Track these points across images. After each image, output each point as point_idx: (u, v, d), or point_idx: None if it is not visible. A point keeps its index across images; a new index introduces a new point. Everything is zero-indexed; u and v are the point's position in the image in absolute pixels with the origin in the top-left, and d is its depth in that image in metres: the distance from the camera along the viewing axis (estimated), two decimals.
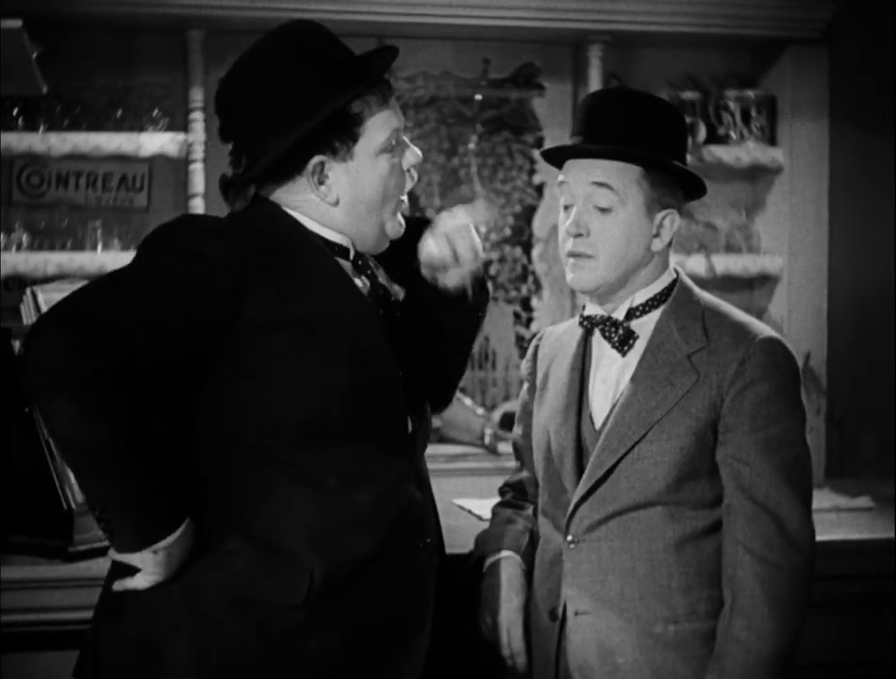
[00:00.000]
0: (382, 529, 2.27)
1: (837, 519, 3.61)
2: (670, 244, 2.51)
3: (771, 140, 4.90)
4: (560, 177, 2.52)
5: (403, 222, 2.38)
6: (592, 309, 2.53)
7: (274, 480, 2.24)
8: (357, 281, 2.35)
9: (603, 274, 2.46)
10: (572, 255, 2.47)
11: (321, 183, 2.29)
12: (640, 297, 2.49)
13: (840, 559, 3.30)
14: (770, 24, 4.75)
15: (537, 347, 2.67)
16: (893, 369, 4.81)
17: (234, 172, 2.34)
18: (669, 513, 2.41)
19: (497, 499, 2.82)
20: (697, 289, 2.53)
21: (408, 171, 2.36)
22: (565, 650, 2.48)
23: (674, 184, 2.47)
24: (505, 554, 2.59)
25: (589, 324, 2.52)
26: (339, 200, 2.30)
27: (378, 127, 2.28)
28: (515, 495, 2.74)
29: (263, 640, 2.23)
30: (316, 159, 2.27)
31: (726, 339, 2.43)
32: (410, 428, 2.36)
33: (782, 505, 2.38)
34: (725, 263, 4.79)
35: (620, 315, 2.49)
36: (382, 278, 2.40)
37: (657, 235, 2.47)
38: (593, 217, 2.46)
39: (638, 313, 2.49)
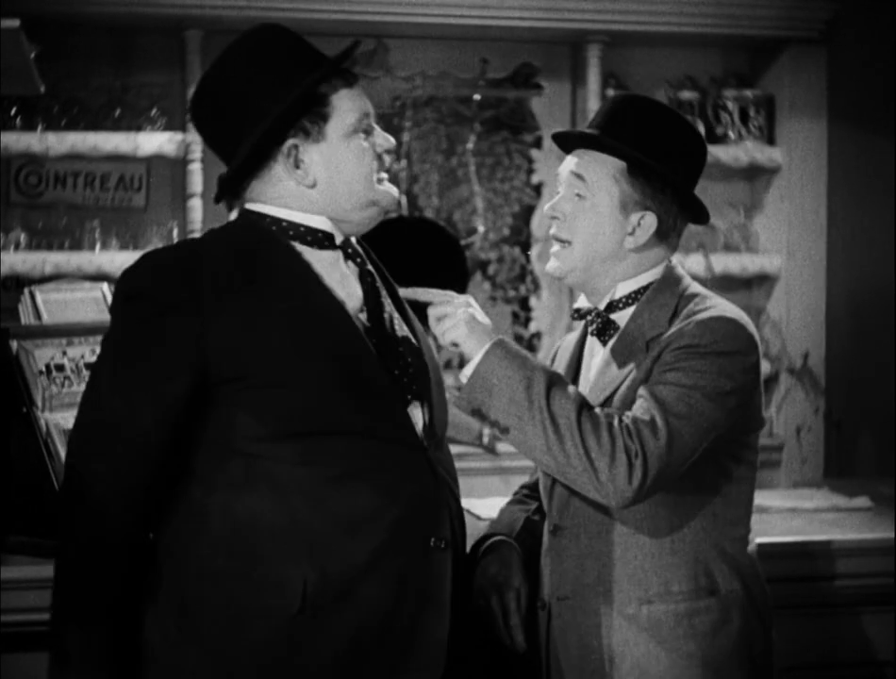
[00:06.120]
0: (385, 529, 2.25)
1: (835, 519, 3.61)
2: (668, 246, 2.53)
3: (770, 139, 4.91)
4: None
5: (394, 190, 2.41)
6: (582, 302, 2.57)
7: (258, 484, 2.23)
8: (344, 268, 2.36)
9: (574, 262, 2.51)
10: (553, 238, 2.54)
11: (297, 166, 2.33)
12: (623, 289, 2.52)
13: (840, 559, 3.30)
14: (768, 23, 4.75)
15: (557, 348, 2.71)
16: (892, 368, 4.81)
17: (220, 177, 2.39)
18: None
19: (494, 499, 2.83)
20: (686, 281, 2.53)
21: (382, 155, 2.40)
22: (551, 636, 2.50)
23: (659, 189, 2.49)
24: (498, 537, 2.61)
25: (577, 316, 2.56)
26: (316, 181, 2.34)
27: (347, 109, 2.34)
28: (526, 495, 2.75)
29: (259, 654, 2.21)
30: (289, 142, 2.32)
31: (683, 321, 2.45)
32: (421, 418, 2.35)
33: (649, 413, 2.32)
34: (724, 262, 4.80)
35: (602, 306, 2.52)
36: (370, 265, 2.42)
37: (632, 233, 2.49)
38: (568, 203, 2.51)
39: (620, 305, 2.52)
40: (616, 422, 2.31)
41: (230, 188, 2.39)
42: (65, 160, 4.56)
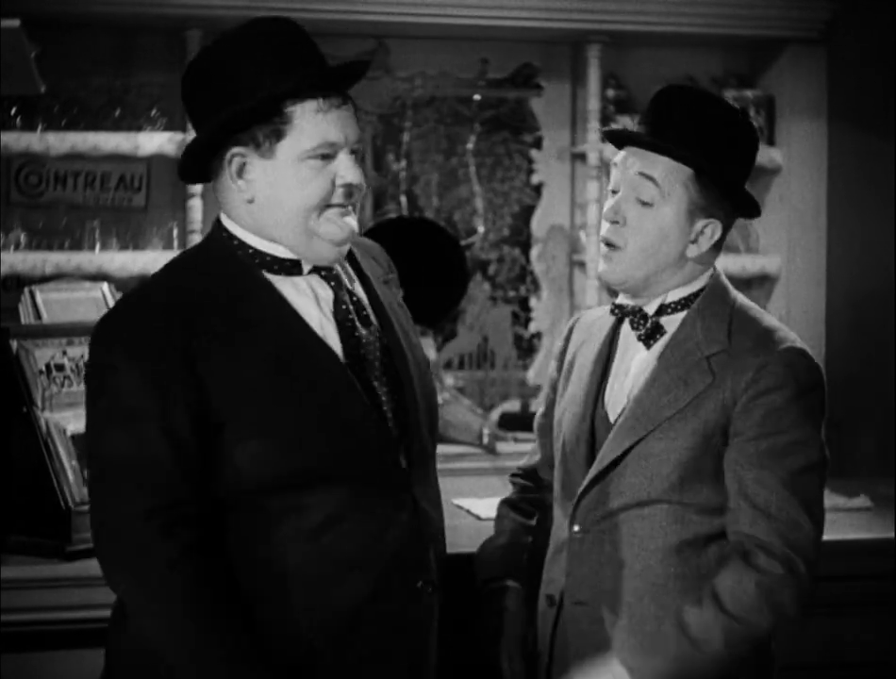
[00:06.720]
0: (374, 573, 2.21)
1: (835, 519, 3.61)
2: (718, 250, 2.49)
3: (770, 140, 4.90)
4: (614, 160, 2.49)
5: (351, 224, 2.25)
6: (624, 299, 2.51)
7: (251, 530, 2.20)
8: (321, 293, 2.27)
9: (629, 268, 2.44)
10: (604, 241, 2.46)
11: (239, 176, 2.22)
12: (674, 296, 2.47)
13: (839, 559, 3.29)
14: (768, 23, 4.75)
15: (571, 329, 2.65)
16: (892, 368, 4.81)
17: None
18: (673, 513, 2.39)
19: (494, 499, 2.81)
20: (733, 292, 2.49)
21: (343, 186, 2.22)
22: (560, 637, 2.48)
23: (724, 196, 2.46)
24: (506, 582, 2.58)
25: (620, 313, 2.51)
26: (254, 198, 2.22)
27: (308, 132, 2.17)
28: (525, 487, 2.72)
29: None
30: (233, 151, 2.20)
31: (749, 343, 2.40)
32: (404, 458, 2.28)
33: (783, 511, 2.36)
34: (724, 263, 4.77)
35: (651, 309, 2.48)
36: (356, 287, 2.32)
37: (695, 241, 2.45)
38: (632, 207, 2.43)
39: (669, 310, 2.47)
40: (762, 569, 2.34)
41: (189, 177, 2.32)
42: (65, 160, 4.55)
